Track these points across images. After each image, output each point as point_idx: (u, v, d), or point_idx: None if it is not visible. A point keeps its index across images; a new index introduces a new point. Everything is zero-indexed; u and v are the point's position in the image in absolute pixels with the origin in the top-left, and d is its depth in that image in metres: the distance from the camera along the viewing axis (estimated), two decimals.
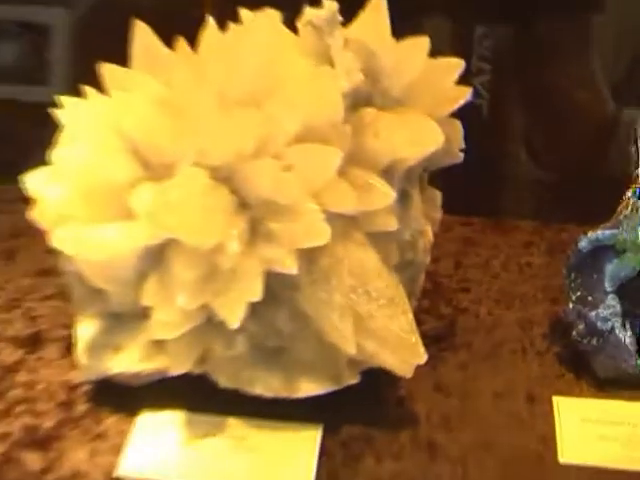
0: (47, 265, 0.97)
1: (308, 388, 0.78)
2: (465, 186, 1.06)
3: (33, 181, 0.79)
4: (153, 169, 0.76)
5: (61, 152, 0.77)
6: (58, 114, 0.78)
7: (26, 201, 1.04)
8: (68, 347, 0.86)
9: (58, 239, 0.75)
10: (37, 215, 0.79)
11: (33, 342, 0.88)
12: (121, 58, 0.98)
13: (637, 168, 0.88)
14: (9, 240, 1.02)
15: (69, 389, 0.83)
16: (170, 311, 0.73)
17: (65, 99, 0.78)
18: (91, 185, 0.75)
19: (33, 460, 0.76)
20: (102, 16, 1.15)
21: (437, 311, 0.94)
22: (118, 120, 0.76)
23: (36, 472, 0.75)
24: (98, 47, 1.08)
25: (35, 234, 0.98)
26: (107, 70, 0.81)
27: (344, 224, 0.76)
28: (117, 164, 0.75)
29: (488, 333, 0.93)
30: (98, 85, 0.81)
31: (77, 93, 0.84)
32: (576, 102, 1.22)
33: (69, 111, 0.78)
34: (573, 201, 1.19)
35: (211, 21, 0.80)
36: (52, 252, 0.93)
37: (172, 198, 0.72)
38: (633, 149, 0.89)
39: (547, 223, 1.16)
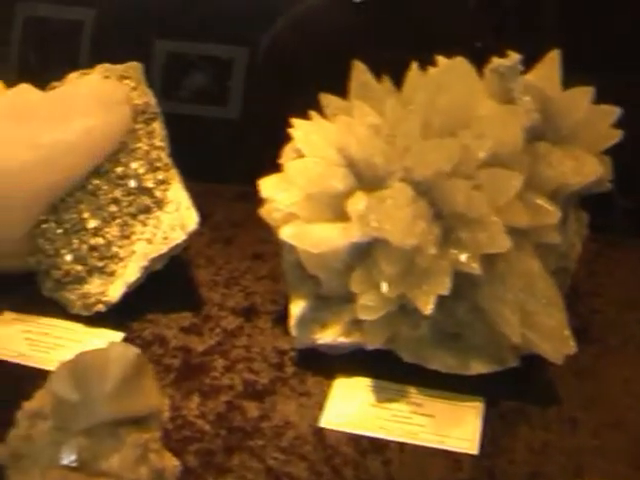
0: (259, 251, 1.16)
1: (477, 367, 0.94)
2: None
3: (267, 185, 0.98)
4: (366, 182, 0.94)
5: (293, 163, 0.96)
6: (292, 132, 0.97)
7: (240, 198, 1.24)
8: (277, 319, 1.04)
9: (285, 233, 0.95)
10: (266, 212, 0.99)
11: (249, 313, 1.06)
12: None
13: None
14: (227, 229, 1.20)
15: (279, 353, 1.00)
16: (373, 297, 0.91)
17: (297, 121, 0.97)
18: (315, 191, 0.94)
19: (252, 409, 0.93)
20: (275, 53, 1.32)
21: (575, 310, 1.05)
22: (341, 140, 0.94)
23: (255, 419, 0.92)
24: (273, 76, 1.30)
25: (248, 226, 1.18)
26: (327, 99, 1.00)
27: (518, 236, 0.91)
28: (338, 176, 0.94)
29: (617, 331, 1.06)
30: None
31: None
32: None
33: (300, 130, 0.97)
34: None
35: (414, 65, 0.98)
36: (263, 241, 1.13)
37: (383, 206, 0.90)
38: None
39: None
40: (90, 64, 1.18)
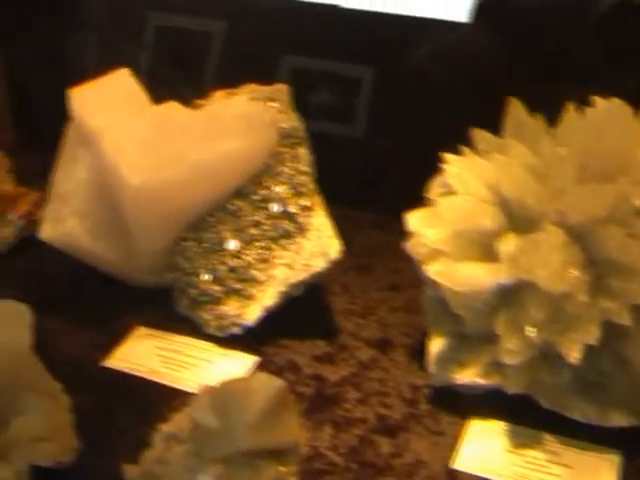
0: (395, 282, 1.15)
1: (617, 419, 0.91)
2: None
3: (414, 219, 0.97)
4: (517, 222, 0.92)
5: (444, 200, 0.94)
6: (444, 167, 0.96)
7: (377, 226, 1.23)
8: (412, 353, 1.03)
9: (432, 270, 0.93)
10: (412, 246, 0.97)
11: (384, 345, 1.05)
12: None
13: None
14: (364, 258, 1.18)
15: (413, 389, 0.98)
16: (516, 341, 0.89)
17: (450, 157, 0.96)
18: (464, 229, 0.93)
19: (384, 444, 0.92)
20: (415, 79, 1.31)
21: None
22: (495, 179, 0.92)
23: (387, 455, 0.90)
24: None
25: (385, 256, 1.17)
26: (480, 135, 0.98)
27: None
28: (488, 215, 0.92)
29: None
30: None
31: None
32: None
33: (453, 166, 0.95)
34: None
35: (571, 106, 0.96)
36: (399, 272, 1.12)
37: (534, 249, 0.88)
38: None
39: None
40: (217, 77, 1.19)
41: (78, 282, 1.15)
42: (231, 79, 1.21)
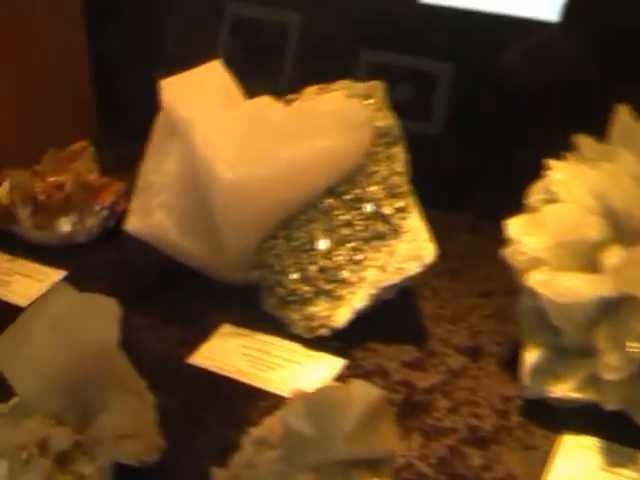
0: (486, 288, 1.12)
1: None
2: None
3: (515, 225, 0.94)
4: (623, 234, 0.89)
5: (548, 207, 0.91)
6: (549, 174, 0.93)
7: (468, 230, 1.21)
8: (504, 363, 1.00)
9: (533, 279, 0.90)
10: (510, 253, 0.94)
11: (474, 353, 1.02)
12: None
13: None
14: (454, 262, 1.16)
15: (505, 400, 0.95)
16: (617, 356, 0.86)
17: (555, 163, 0.93)
18: (567, 239, 0.90)
19: (475, 456, 0.89)
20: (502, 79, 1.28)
21: None
22: (602, 188, 0.89)
23: (478, 468, 0.88)
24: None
25: (476, 260, 1.14)
26: (584, 141, 0.95)
27: None
28: (594, 225, 0.89)
29: None
30: None
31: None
32: None
33: (558, 173, 0.92)
34: None
35: None
36: (491, 278, 1.09)
37: None
38: None
39: None
40: (294, 68, 1.17)
41: (163, 276, 1.14)
42: (307, 72, 1.20)
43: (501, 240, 0.96)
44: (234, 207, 1.02)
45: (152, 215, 1.06)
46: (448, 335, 1.05)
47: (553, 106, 1.21)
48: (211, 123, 1.04)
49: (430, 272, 1.04)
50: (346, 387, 0.80)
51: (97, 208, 1.22)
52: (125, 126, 1.47)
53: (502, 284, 1.01)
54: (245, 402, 0.95)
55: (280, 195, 1.02)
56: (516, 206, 0.98)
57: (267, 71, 1.38)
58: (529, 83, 1.24)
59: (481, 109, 1.27)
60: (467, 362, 1.01)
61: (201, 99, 1.07)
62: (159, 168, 1.08)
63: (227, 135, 1.03)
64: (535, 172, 0.97)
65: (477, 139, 1.28)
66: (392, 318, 1.05)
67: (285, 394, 0.94)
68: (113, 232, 1.22)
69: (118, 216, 1.22)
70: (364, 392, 0.78)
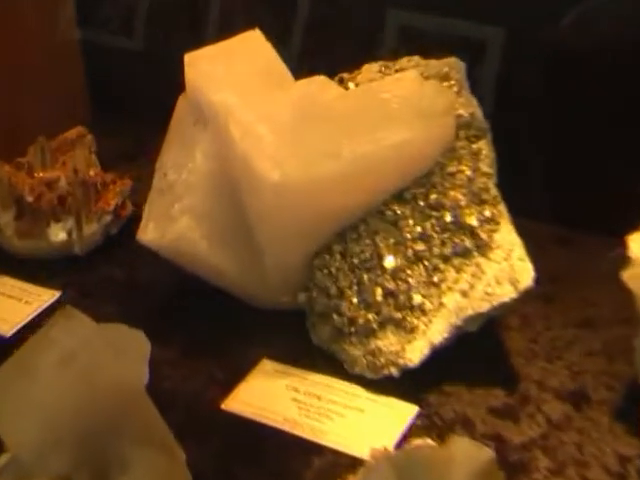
0: (588, 316, 0.94)
1: None
2: None
3: (637, 243, 0.76)
4: None
5: None
6: None
7: (559, 243, 1.04)
8: (616, 412, 0.82)
9: None
10: (630, 277, 0.76)
11: (578, 399, 0.84)
12: None
13: None
14: (546, 283, 0.94)
15: (621, 459, 0.77)
16: None
17: None
18: None
19: None
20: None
21: None
22: None
23: None
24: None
25: (572, 281, 0.99)
26: None
27: None
28: None
29: None
30: None
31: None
32: None
33: None
34: None
35: None
36: (593, 304, 0.92)
37: None
38: None
39: None
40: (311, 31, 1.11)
41: (184, 298, 0.97)
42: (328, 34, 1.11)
43: (600, 256, 0.82)
44: (280, 214, 0.84)
45: (174, 223, 0.88)
46: (543, 376, 0.86)
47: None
48: (251, 109, 0.86)
49: (518, 296, 0.86)
50: (447, 447, 0.64)
51: (99, 212, 1.03)
52: (125, 110, 1.27)
53: (608, 311, 0.86)
54: (295, 459, 0.78)
55: (337, 201, 0.84)
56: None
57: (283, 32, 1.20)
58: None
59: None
60: (569, 410, 0.82)
61: (236, 78, 0.89)
62: (182, 164, 0.90)
63: (271, 124, 0.85)
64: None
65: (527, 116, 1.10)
66: (473, 354, 0.86)
67: (343, 449, 0.77)
68: (117, 242, 1.05)
69: (124, 223, 1.05)
70: (471, 455, 0.64)
